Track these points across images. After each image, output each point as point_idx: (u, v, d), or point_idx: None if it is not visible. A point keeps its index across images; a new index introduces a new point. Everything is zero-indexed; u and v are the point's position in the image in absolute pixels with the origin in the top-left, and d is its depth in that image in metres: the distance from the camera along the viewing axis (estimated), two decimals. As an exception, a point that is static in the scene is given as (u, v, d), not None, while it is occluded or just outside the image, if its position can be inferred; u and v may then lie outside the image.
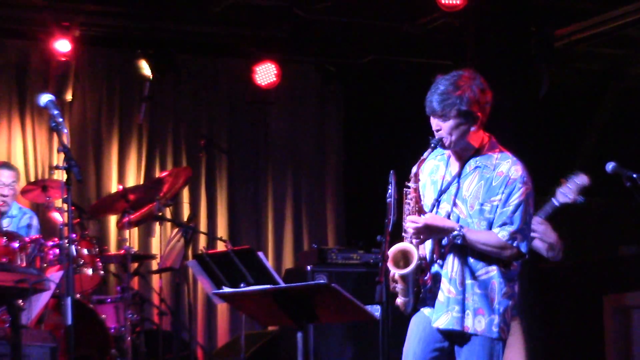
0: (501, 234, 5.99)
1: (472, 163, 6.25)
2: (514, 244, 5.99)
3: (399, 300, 6.25)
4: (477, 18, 10.19)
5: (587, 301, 8.13)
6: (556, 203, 7.45)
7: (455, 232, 5.99)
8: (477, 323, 6.02)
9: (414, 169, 6.19)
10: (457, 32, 10.75)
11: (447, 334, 6.16)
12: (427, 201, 6.28)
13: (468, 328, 6.03)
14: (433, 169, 6.38)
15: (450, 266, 6.11)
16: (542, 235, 7.57)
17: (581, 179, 7.48)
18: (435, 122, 6.26)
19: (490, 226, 6.08)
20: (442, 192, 6.24)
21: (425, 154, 6.19)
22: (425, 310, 6.22)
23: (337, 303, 6.21)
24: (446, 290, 6.09)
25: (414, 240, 6.09)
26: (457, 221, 6.09)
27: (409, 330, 6.33)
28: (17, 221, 9.46)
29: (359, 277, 9.20)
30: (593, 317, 8.88)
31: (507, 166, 6.15)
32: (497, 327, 6.03)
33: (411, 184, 6.18)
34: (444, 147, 6.21)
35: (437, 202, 6.22)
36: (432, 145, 6.17)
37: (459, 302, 6.05)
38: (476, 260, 6.09)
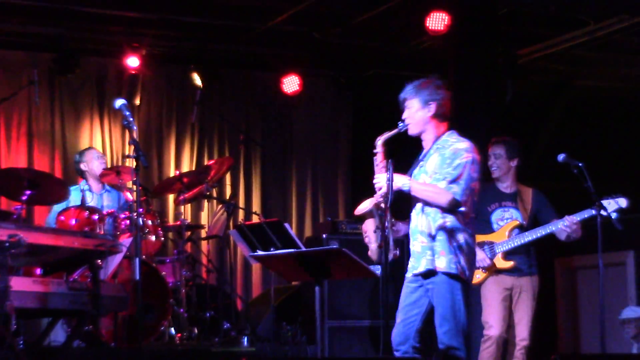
0: (440, 184, 6.10)
1: (434, 147, 6.37)
2: (450, 192, 6.05)
3: (369, 252, 6.38)
4: (456, 41, 10.14)
5: (541, 263, 8.05)
6: (594, 212, 7.38)
7: (406, 182, 6.19)
8: (440, 262, 6.06)
9: (377, 141, 6.53)
10: (441, 52, 10.69)
11: (423, 276, 6.20)
12: None
13: (436, 267, 6.08)
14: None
15: (420, 223, 6.21)
16: (572, 231, 7.55)
17: (621, 201, 7.43)
18: (405, 112, 6.54)
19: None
20: (413, 169, 6.42)
21: (390, 133, 6.51)
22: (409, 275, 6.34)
23: (346, 264, 6.20)
24: (420, 241, 6.19)
25: (380, 194, 6.25)
26: None
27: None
28: (115, 197, 9.47)
29: (364, 243, 9.17)
30: (546, 277, 8.82)
31: (458, 144, 6.26)
32: (454, 265, 6.06)
33: (376, 151, 6.49)
34: (407, 130, 6.48)
35: (410, 174, 6.39)
36: (399, 127, 6.48)
37: (430, 248, 6.12)
38: (436, 215, 6.14)
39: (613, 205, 7.44)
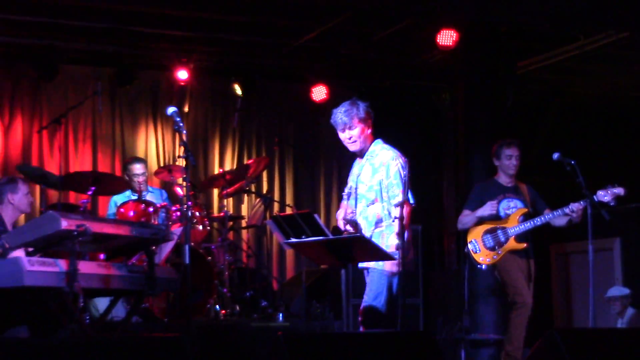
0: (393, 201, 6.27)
1: (366, 157, 6.53)
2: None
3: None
4: (463, 54, 10.14)
5: (538, 249, 8.03)
6: (595, 199, 7.38)
7: None
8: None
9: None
10: (450, 64, 10.69)
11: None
12: (347, 189, 6.59)
13: (369, 265, 6.34)
14: (353, 172, 6.63)
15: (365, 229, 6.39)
16: (577, 217, 7.54)
17: (618, 190, 7.41)
18: (346, 135, 6.55)
19: (376, 194, 6.40)
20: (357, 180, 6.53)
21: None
22: None
23: (367, 249, 6.19)
24: None
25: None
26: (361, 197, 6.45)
27: None
28: (158, 195, 9.52)
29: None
30: (542, 261, 8.80)
31: (383, 154, 6.47)
32: (382, 263, 6.26)
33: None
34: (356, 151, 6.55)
35: (356, 188, 6.52)
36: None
37: None
38: (371, 223, 6.38)
39: (612, 193, 7.40)
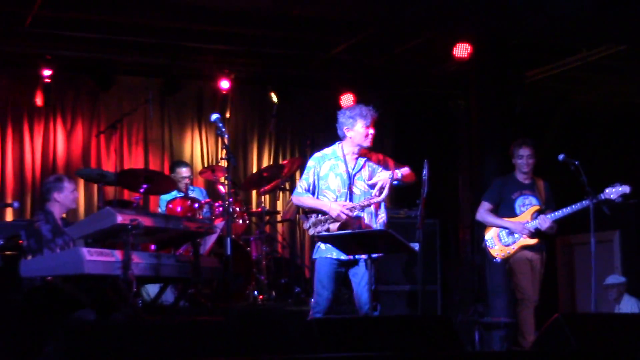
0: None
1: (361, 159, 6.49)
2: None
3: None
4: (477, 65, 10.10)
5: (546, 241, 7.96)
6: (602, 197, 7.29)
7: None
8: None
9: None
10: (465, 74, 10.63)
11: (346, 262, 6.32)
12: (333, 185, 6.43)
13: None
14: (332, 166, 6.46)
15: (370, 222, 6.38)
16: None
17: (624, 188, 7.30)
18: (371, 130, 6.50)
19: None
20: (350, 178, 6.40)
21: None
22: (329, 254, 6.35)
23: (390, 241, 6.16)
24: None
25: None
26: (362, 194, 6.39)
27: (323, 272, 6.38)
28: (199, 193, 9.54)
29: (405, 225, 9.14)
30: (549, 252, 8.71)
31: (376, 156, 6.49)
32: None
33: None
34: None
35: (349, 185, 6.41)
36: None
37: None
38: (373, 215, 6.44)
39: (618, 191, 7.31)
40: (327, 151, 6.57)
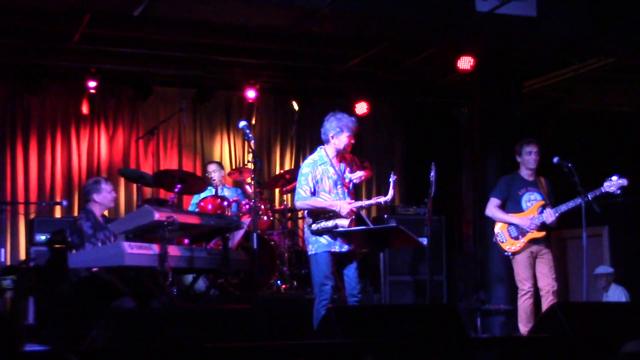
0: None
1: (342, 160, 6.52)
2: None
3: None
4: (479, 76, 10.07)
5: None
6: (603, 190, 7.19)
7: None
8: None
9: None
10: (468, 84, 10.60)
11: (343, 254, 6.32)
12: (327, 187, 6.42)
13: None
14: (324, 170, 6.45)
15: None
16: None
17: (622, 181, 7.19)
18: (353, 140, 6.54)
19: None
20: (340, 178, 6.43)
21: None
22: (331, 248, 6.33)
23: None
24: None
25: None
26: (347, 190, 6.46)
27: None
28: (234, 192, 9.53)
29: (414, 221, 9.12)
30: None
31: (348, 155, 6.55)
32: None
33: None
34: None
35: (341, 184, 6.45)
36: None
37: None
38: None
39: (617, 184, 7.19)
40: (315, 157, 6.58)
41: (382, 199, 6.42)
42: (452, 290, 9.76)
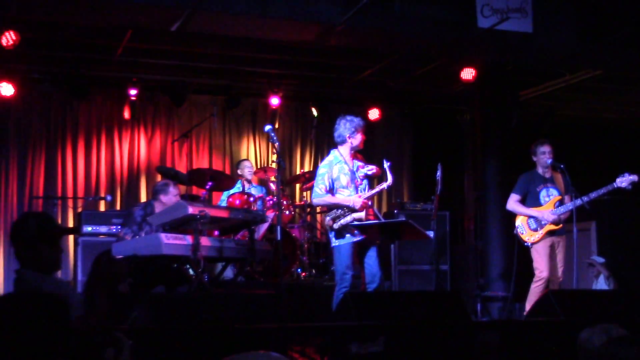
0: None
1: (355, 160, 6.58)
2: None
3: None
4: (480, 86, 10.01)
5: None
6: (615, 185, 7.08)
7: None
8: None
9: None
10: (470, 93, 10.55)
11: (362, 244, 6.34)
12: (344, 183, 6.46)
13: None
14: (340, 169, 6.47)
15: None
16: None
17: (633, 177, 7.07)
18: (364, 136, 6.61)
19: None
20: (353, 175, 6.48)
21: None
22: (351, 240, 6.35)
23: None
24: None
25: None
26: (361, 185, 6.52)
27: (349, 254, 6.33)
28: (260, 189, 9.52)
29: (422, 216, 9.08)
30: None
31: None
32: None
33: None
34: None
35: (356, 180, 6.50)
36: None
37: None
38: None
39: (628, 180, 7.06)
40: (330, 158, 6.60)
41: (384, 185, 6.43)
42: (455, 278, 9.72)
